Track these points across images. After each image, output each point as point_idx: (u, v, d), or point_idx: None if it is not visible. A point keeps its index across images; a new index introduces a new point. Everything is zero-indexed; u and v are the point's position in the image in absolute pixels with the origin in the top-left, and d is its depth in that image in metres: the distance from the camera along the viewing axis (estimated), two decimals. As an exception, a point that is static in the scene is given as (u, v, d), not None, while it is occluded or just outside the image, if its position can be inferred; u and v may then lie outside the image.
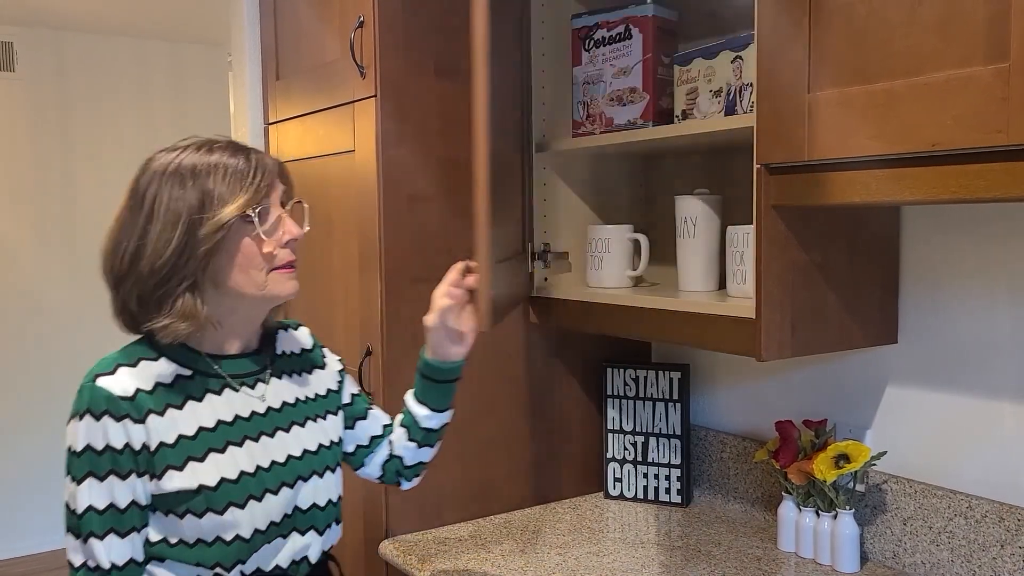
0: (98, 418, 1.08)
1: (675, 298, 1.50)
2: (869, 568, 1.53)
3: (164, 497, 1.11)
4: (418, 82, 1.71)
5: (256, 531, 1.15)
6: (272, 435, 1.19)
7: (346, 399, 1.34)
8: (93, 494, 1.09)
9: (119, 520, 1.10)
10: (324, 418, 1.27)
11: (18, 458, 4.19)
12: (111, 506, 1.09)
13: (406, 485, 1.43)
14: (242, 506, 1.13)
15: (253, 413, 1.19)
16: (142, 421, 1.10)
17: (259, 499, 1.15)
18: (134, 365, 1.13)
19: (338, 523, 1.27)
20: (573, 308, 1.73)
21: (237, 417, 1.17)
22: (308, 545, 1.22)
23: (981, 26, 1.01)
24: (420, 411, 1.36)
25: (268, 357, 1.25)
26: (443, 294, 1.31)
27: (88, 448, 1.09)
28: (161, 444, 1.11)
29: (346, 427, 1.34)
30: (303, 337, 1.33)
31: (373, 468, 1.39)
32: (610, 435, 1.93)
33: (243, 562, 1.15)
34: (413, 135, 1.71)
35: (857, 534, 1.50)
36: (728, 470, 1.85)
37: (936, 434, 1.49)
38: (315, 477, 1.22)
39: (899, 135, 1.09)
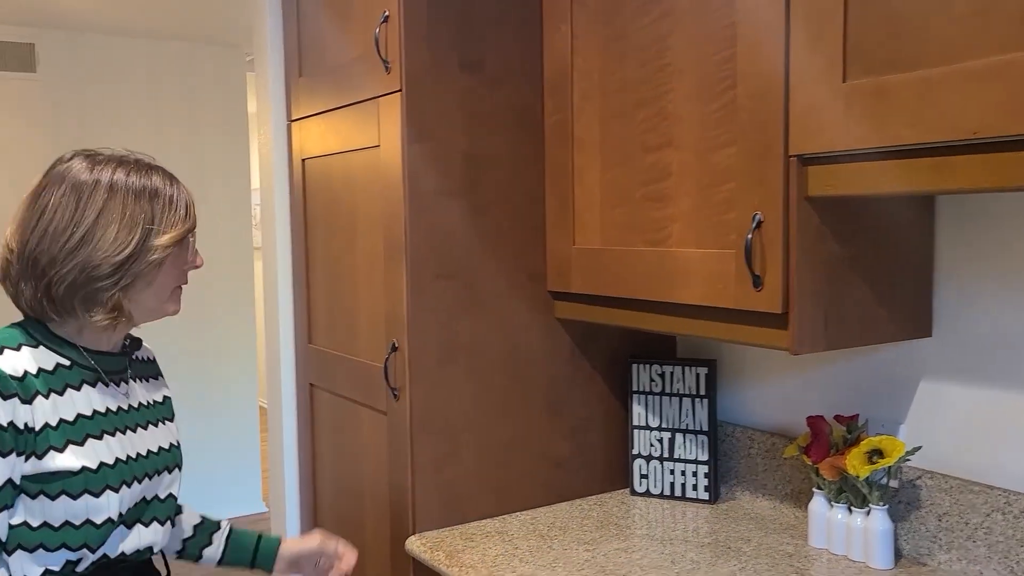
0: None
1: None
2: (903, 565, 1.51)
3: (41, 477, 1.17)
4: (442, 77, 1.70)
5: (120, 515, 1.24)
6: (135, 430, 1.31)
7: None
8: None
9: None
10: (165, 423, 1.39)
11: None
12: None
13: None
14: (116, 489, 1.22)
15: (119, 408, 1.29)
16: (29, 402, 1.17)
17: (129, 485, 1.25)
18: (17, 349, 1.20)
19: (172, 522, 1.38)
20: (598, 302, 1.72)
21: (108, 409, 1.27)
22: (152, 536, 1.31)
23: (1021, 11, 0.99)
24: (211, 554, 1.52)
25: (128, 360, 1.35)
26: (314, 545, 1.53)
27: None
28: (45, 425, 1.18)
29: None
30: (149, 350, 1.46)
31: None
32: (636, 431, 1.92)
33: (102, 545, 1.23)
34: (437, 130, 1.70)
35: (891, 530, 1.48)
36: (756, 466, 1.83)
37: (972, 428, 1.47)
38: (166, 472, 1.34)
39: (938, 123, 1.08)
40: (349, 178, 1.92)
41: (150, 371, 1.42)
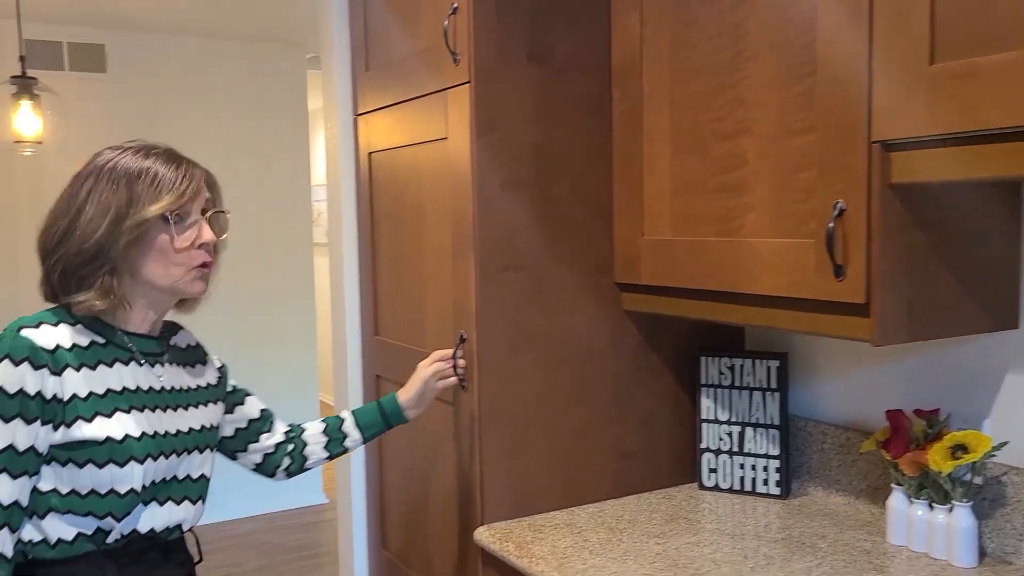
0: (17, 364, 1.20)
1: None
2: (987, 563, 1.46)
3: (70, 445, 1.23)
4: (511, 68, 1.70)
5: (144, 487, 1.29)
6: (164, 410, 1.35)
7: (228, 390, 1.54)
8: None
9: (14, 462, 1.20)
10: (205, 405, 1.44)
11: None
12: (10, 447, 1.20)
13: (281, 479, 1.63)
14: (141, 461, 1.27)
15: (151, 387, 1.35)
16: (58, 374, 1.23)
17: (154, 459, 1.30)
18: (55, 325, 1.27)
19: (203, 501, 1.42)
20: (667, 293, 1.70)
21: (139, 388, 1.32)
22: (182, 514, 1.37)
23: None
24: (355, 435, 1.65)
25: (166, 344, 1.42)
26: (437, 357, 1.70)
27: (1, 390, 1.20)
28: (74, 396, 1.24)
29: (226, 412, 1.53)
30: (190, 337, 1.51)
31: (253, 456, 1.58)
32: (704, 425, 1.90)
33: (128, 515, 1.28)
34: (505, 121, 1.70)
35: (975, 527, 1.44)
36: (830, 461, 1.80)
37: (1061, 424, 1.41)
38: (196, 452, 1.39)
39: (1035, 105, 1.04)
40: (416, 171, 1.93)
41: (187, 358, 1.46)
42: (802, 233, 1.37)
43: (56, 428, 1.22)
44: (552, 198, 1.76)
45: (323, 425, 1.64)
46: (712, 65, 1.53)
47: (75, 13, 3.98)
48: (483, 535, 1.68)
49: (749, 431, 1.85)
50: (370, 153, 2.18)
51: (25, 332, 1.23)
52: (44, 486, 1.24)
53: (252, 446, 1.58)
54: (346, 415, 1.66)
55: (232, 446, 1.56)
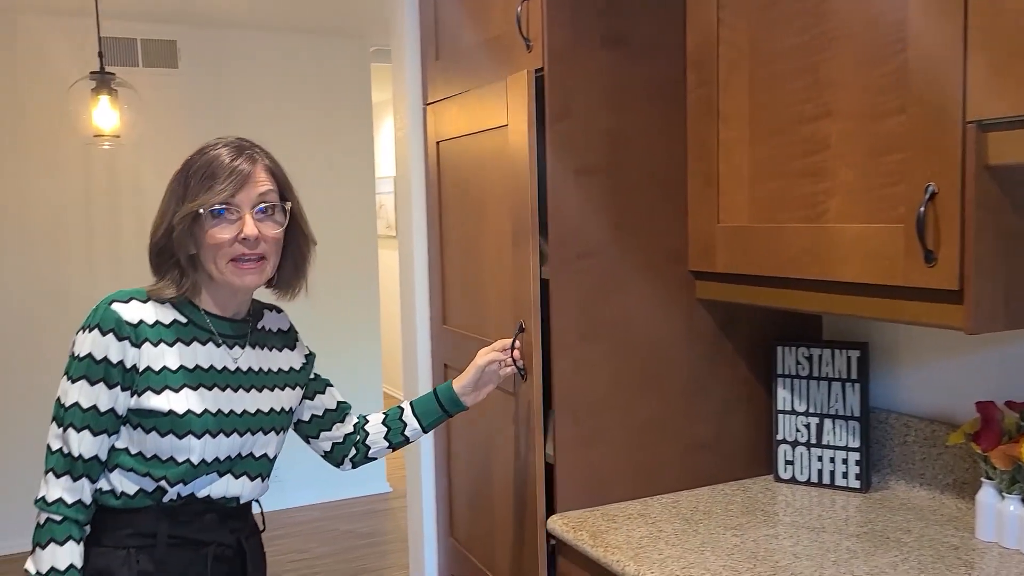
0: (104, 334, 1.33)
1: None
2: (1085, 562, 1.41)
3: (139, 412, 1.34)
4: (584, 54, 1.68)
5: (203, 461, 1.37)
6: (236, 391, 1.42)
7: (311, 377, 1.60)
8: (82, 394, 1.32)
9: (96, 421, 1.33)
10: (283, 389, 1.50)
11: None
12: (94, 407, 1.33)
13: (347, 468, 1.68)
14: (198, 436, 1.36)
15: (225, 368, 1.42)
16: (138, 346, 1.34)
17: (213, 435, 1.38)
18: (144, 302, 1.38)
19: (267, 478, 1.50)
20: (743, 281, 1.66)
21: (212, 367, 1.40)
22: (240, 488, 1.44)
23: None
24: (414, 424, 1.67)
25: (250, 328, 1.48)
26: (496, 348, 1.68)
27: (89, 356, 1.32)
28: (148, 368, 1.34)
29: (306, 397, 1.59)
30: (283, 321, 1.58)
31: (324, 443, 1.63)
32: (781, 416, 1.86)
33: (184, 483, 1.37)
34: (579, 108, 1.68)
35: (1072, 524, 1.38)
36: (913, 454, 1.74)
37: None
38: (261, 433, 1.45)
39: None
40: (482, 159, 1.93)
41: (274, 341, 1.53)
42: (890, 218, 1.33)
43: (132, 395, 1.34)
44: (625, 185, 1.74)
45: (383, 416, 1.68)
46: (793, 47, 1.49)
47: (149, 10, 4.08)
48: (556, 524, 1.68)
49: (828, 423, 1.80)
50: (438, 142, 2.18)
51: (115, 306, 1.35)
52: (119, 444, 1.37)
53: (324, 434, 1.63)
54: (405, 405, 1.69)
55: (306, 431, 1.62)
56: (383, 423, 1.67)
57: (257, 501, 1.52)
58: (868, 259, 1.36)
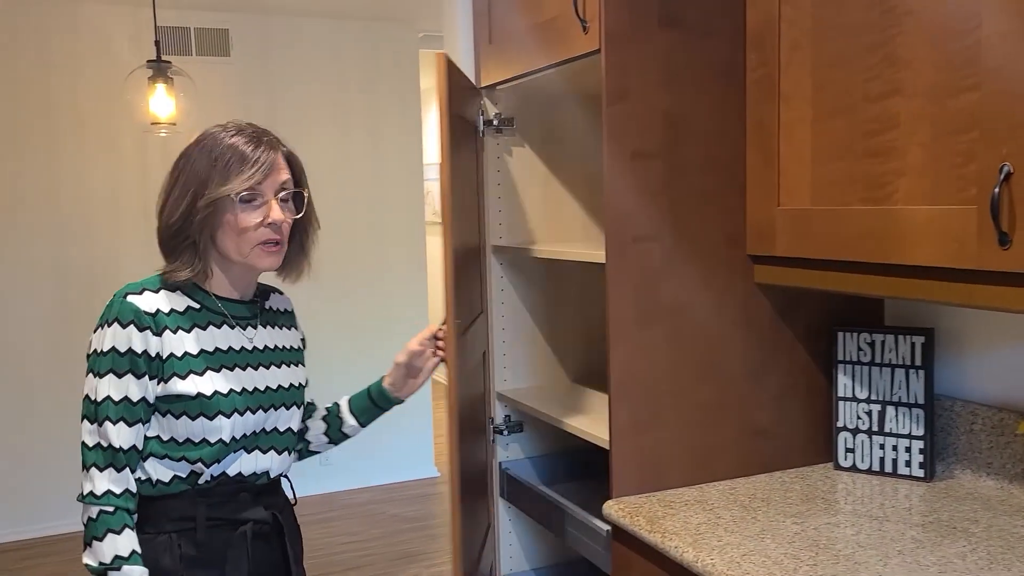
0: (125, 326, 1.37)
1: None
2: None
3: (167, 399, 1.39)
4: (642, 34, 1.66)
5: (233, 438, 1.43)
6: (256, 368, 1.49)
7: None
8: (112, 387, 1.36)
9: (130, 411, 1.37)
10: (292, 366, 1.57)
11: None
12: (125, 399, 1.36)
13: (294, 460, 1.64)
14: (228, 415, 1.41)
15: (242, 348, 1.48)
16: (159, 335, 1.38)
17: (240, 413, 1.43)
18: (156, 291, 1.42)
19: (292, 452, 1.56)
20: (804, 265, 1.63)
21: (230, 348, 1.46)
22: (268, 463, 1.50)
23: None
24: (351, 421, 1.69)
25: (259, 308, 1.54)
26: (416, 342, 1.67)
27: (113, 350, 1.36)
28: (171, 355, 1.39)
29: None
30: (287, 302, 1.64)
31: None
32: (841, 403, 1.82)
33: (218, 462, 1.42)
34: (636, 89, 1.66)
35: None
36: (980, 443, 1.70)
37: None
38: (283, 408, 1.51)
39: None
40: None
41: (281, 321, 1.60)
42: (962, 199, 1.29)
43: (158, 383, 1.39)
44: (682, 167, 1.71)
45: (325, 412, 1.72)
46: (860, 23, 1.45)
47: (202, -1, 4.13)
48: (612, 509, 1.67)
49: (890, 410, 1.76)
50: (492, 126, 2.17)
51: (130, 298, 1.39)
52: (149, 433, 1.41)
53: None
54: (343, 402, 1.72)
55: None
56: (323, 419, 1.70)
57: (286, 476, 1.58)
58: (938, 241, 1.32)
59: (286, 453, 1.54)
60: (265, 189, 1.42)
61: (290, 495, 1.62)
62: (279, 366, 1.53)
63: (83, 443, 1.38)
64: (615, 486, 1.70)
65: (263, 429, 1.49)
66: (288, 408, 1.53)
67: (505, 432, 2.25)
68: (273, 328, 1.56)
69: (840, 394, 1.82)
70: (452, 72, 1.70)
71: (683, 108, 1.70)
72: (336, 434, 1.70)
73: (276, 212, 1.43)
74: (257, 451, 1.48)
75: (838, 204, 1.52)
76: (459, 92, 1.79)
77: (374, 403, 1.70)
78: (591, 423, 1.90)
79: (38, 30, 4.12)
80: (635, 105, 1.66)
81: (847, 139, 1.49)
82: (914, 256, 1.37)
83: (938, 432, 1.78)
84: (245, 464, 1.47)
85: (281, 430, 1.52)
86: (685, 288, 1.73)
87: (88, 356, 1.40)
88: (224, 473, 1.45)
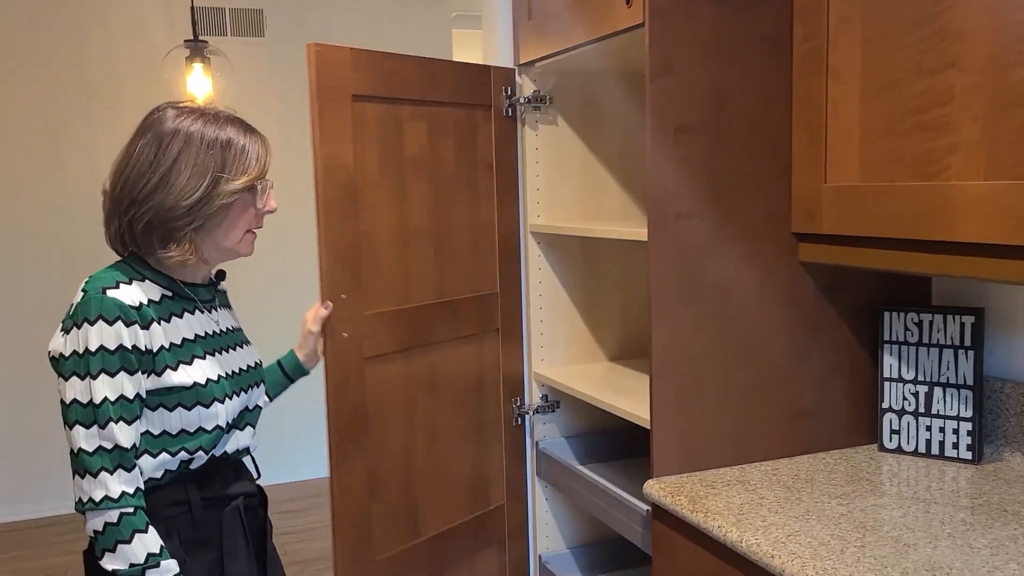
0: (111, 323, 1.31)
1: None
2: None
3: (160, 392, 1.36)
4: (686, 7, 1.63)
5: (228, 423, 1.45)
6: (227, 351, 1.50)
7: None
8: (107, 387, 1.30)
9: (128, 409, 1.33)
10: (247, 344, 1.60)
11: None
12: (122, 397, 1.32)
13: None
14: (222, 401, 1.43)
15: (214, 332, 1.49)
16: (147, 328, 1.35)
17: (230, 397, 1.46)
18: (129, 283, 1.37)
19: (254, 426, 1.57)
20: (851, 243, 1.60)
21: (206, 333, 1.47)
22: (247, 439, 1.54)
23: None
24: (264, 401, 1.66)
25: (214, 290, 1.55)
26: (318, 313, 1.76)
27: (102, 348, 1.30)
28: (161, 348, 1.36)
29: None
30: (224, 282, 1.62)
31: None
32: (887, 384, 1.79)
33: (214, 447, 1.44)
34: (681, 64, 1.64)
35: None
36: (1031, 425, 1.66)
37: None
38: (256, 387, 1.56)
39: None
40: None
41: (227, 301, 1.63)
42: (1018, 174, 1.25)
43: (148, 376, 1.35)
44: (726, 143, 1.68)
45: None
46: (913, -6, 1.41)
47: (237, -21, 4.14)
48: (653, 488, 1.66)
49: (938, 391, 1.73)
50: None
51: (110, 293, 1.33)
52: (141, 428, 1.36)
53: None
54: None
55: None
56: None
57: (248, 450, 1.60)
58: (993, 218, 1.29)
59: (253, 427, 1.57)
60: (266, 178, 1.47)
61: (252, 469, 1.62)
62: (242, 346, 1.57)
63: (80, 450, 1.30)
64: (656, 465, 1.69)
65: (246, 407, 1.52)
66: (258, 386, 1.58)
67: (542, 412, 2.25)
68: (226, 309, 1.60)
69: (886, 375, 1.79)
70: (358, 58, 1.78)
71: (728, 83, 1.67)
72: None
73: (272, 201, 1.47)
74: (236, 430, 1.50)
75: (888, 180, 1.49)
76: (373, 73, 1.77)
77: (288, 376, 1.76)
78: (631, 402, 1.89)
79: (74, 16, 4.15)
80: (679, 80, 1.64)
81: (897, 114, 1.46)
82: (967, 233, 1.33)
83: (987, 414, 1.75)
84: (230, 443, 1.49)
85: (252, 408, 1.55)
86: (728, 266, 1.71)
87: (59, 359, 1.32)
88: (212, 455, 1.46)
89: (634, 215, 2.34)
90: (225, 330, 1.53)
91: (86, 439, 1.30)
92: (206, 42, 3.37)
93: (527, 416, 2.28)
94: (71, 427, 1.31)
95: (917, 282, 1.87)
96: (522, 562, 2.32)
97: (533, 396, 2.28)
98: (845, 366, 1.82)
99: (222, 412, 1.43)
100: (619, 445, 2.36)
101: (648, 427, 1.71)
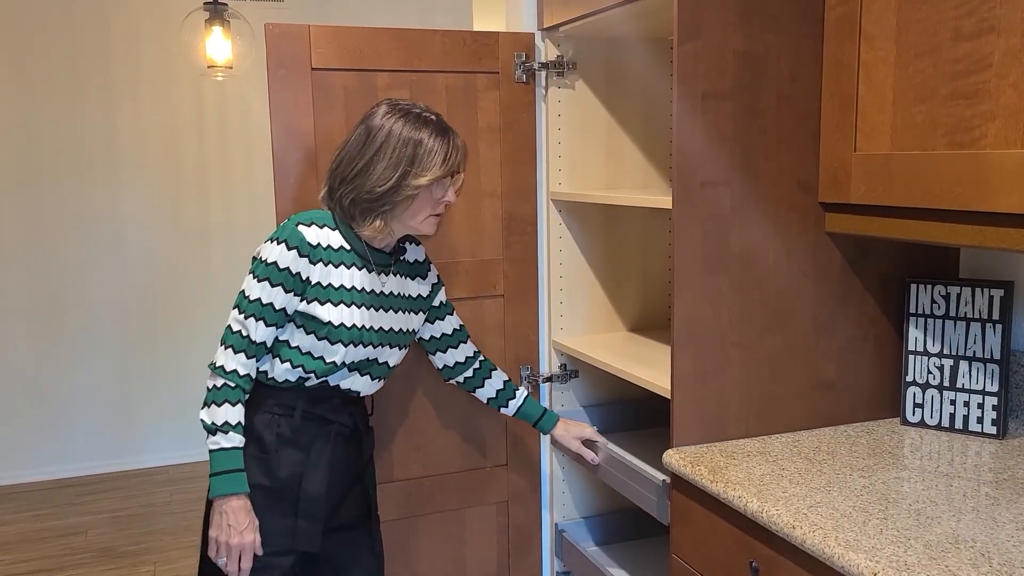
0: (290, 249, 1.61)
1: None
2: None
3: (304, 316, 1.63)
4: (716, -31, 1.59)
5: (343, 363, 1.68)
6: (379, 310, 1.71)
7: (435, 304, 1.87)
8: (263, 292, 1.61)
9: (271, 315, 1.62)
10: (410, 313, 1.79)
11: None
12: (270, 304, 1.61)
13: (456, 387, 1.99)
14: (345, 345, 1.66)
15: (374, 291, 1.70)
16: (315, 263, 1.63)
17: (355, 345, 1.67)
18: (321, 227, 1.66)
19: (382, 380, 1.79)
20: (880, 213, 1.57)
21: (365, 288, 1.69)
22: (363, 384, 1.75)
23: None
24: (511, 411, 1.98)
25: (395, 258, 1.76)
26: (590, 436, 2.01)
27: (274, 263, 1.61)
28: (318, 283, 1.63)
29: (427, 321, 1.87)
30: (420, 252, 1.85)
31: (438, 362, 1.94)
32: (911, 357, 1.77)
33: (327, 376, 1.68)
34: (710, 28, 1.60)
35: None
36: (1058, 401, 1.64)
37: None
38: (393, 347, 1.75)
39: None
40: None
41: (411, 271, 1.81)
42: (1059, 143, 1.22)
43: (300, 300, 1.63)
44: (755, 110, 1.65)
45: (502, 385, 1.96)
46: (953, -44, 1.37)
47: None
48: (673, 458, 1.65)
49: (963, 365, 1.71)
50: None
51: (301, 228, 1.63)
52: (282, 336, 1.65)
53: (439, 354, 1.94)
54: (520, 393, 1.98)
55: (426, 347, 1.94)
56: (498, 389, 1.96)
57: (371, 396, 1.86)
58: (1030, 188, 1.26)
59: (379, 380, 1.78)
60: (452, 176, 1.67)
61: (369, 407, 1.87)
62: (401, 312, 1.76)
63: (228, 326, 1.62)
64: (676, 435, 1.68)
65: (367, 359, 1.71)
66: (394, 348, 1.76)
67: (560, 380, 2.24)
68: (402, 278, 1.78)
69: (911, 348, 1.77)
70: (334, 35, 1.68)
71: (757, 47, 1.64)
72: (495, 404, 1.97)
73: (452, 194, 1.68)
74: (356, 372, 1.71)
75: (921, 149, 1.46)
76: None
77: (536, 423, 1.99)
78: (651, 372, 1.88)
79: (95, -27, 4.12)
80: (707, 44, 1.60)
81: (932, 81, 1.42)
82: (1004, 203, 1.30)
83: (1013, 388, 1.73)
84: (345, 381, 1.71)
85: (381, 363, 1.74)
86: (754, 235, 1.68)
87: (253, 259, 1.64)
88: (326, 382, 1.69)
89: (656, 183, 2.31)
90: (389, 293, 1.73)
91: (234, 319, 1.62)
92: (225, 4, 3.34)
93: (540, 384, 2.27)
94: (233, 308, 1.63)
95: (944, 254, 1.84)
96: (525, 527, 2.32)
97: (552, 365, 2.27)
98: (869, 338, 1.80)
99: (341, 352, 1.66)
100: (636, 416, 2.35)
101: (668, 396, 1.70)
